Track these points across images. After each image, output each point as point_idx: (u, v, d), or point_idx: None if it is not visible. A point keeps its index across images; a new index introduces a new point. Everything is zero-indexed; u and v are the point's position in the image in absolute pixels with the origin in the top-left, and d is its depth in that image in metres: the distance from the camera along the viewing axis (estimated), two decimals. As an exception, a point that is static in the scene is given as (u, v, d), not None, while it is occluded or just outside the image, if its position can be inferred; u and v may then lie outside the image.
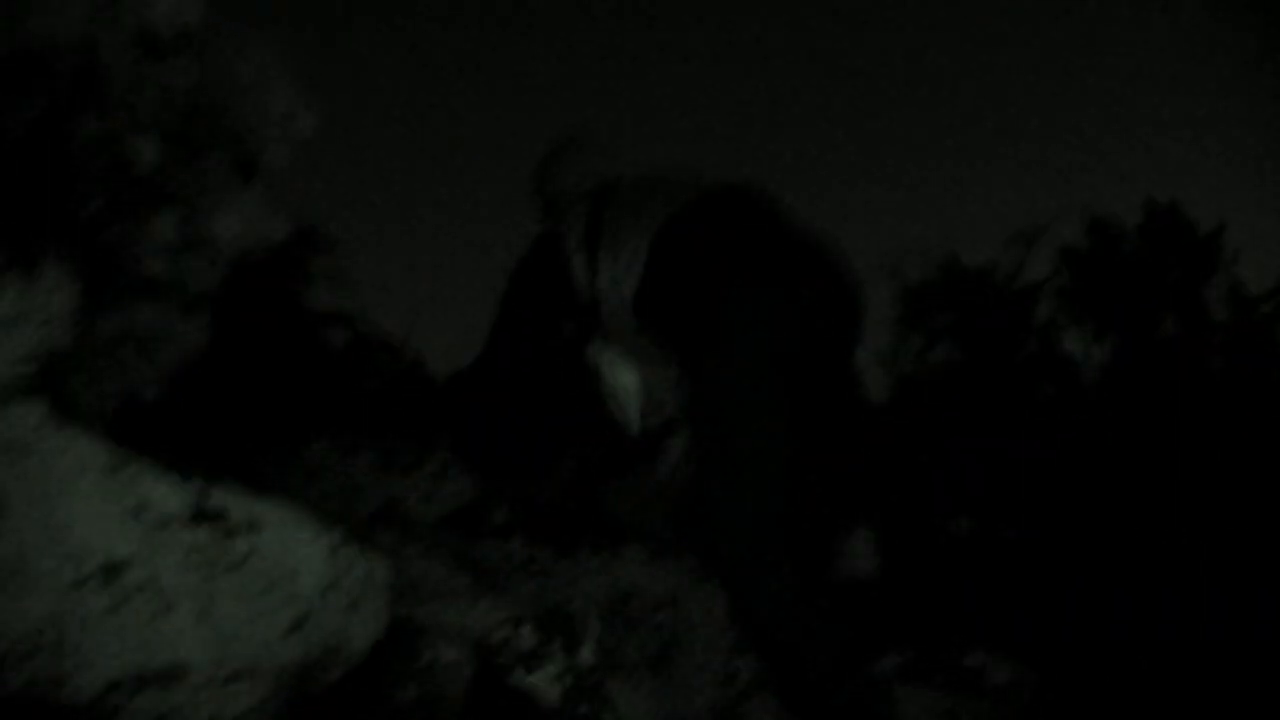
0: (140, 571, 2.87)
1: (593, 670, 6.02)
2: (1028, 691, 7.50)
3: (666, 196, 4.13)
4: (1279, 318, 25.04)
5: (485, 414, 6.40)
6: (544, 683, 5.77)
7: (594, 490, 8.83)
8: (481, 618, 5.99)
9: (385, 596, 4.06)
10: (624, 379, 5.52)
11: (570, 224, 4.28)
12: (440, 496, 8.92)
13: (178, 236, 3.82)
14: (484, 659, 5.68)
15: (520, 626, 6.04)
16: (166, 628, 2.85)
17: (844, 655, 4.08)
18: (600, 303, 4.16)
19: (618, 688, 6.87)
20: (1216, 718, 7.72)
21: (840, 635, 4.12)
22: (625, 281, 4.03)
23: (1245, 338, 25.64)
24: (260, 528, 3.30)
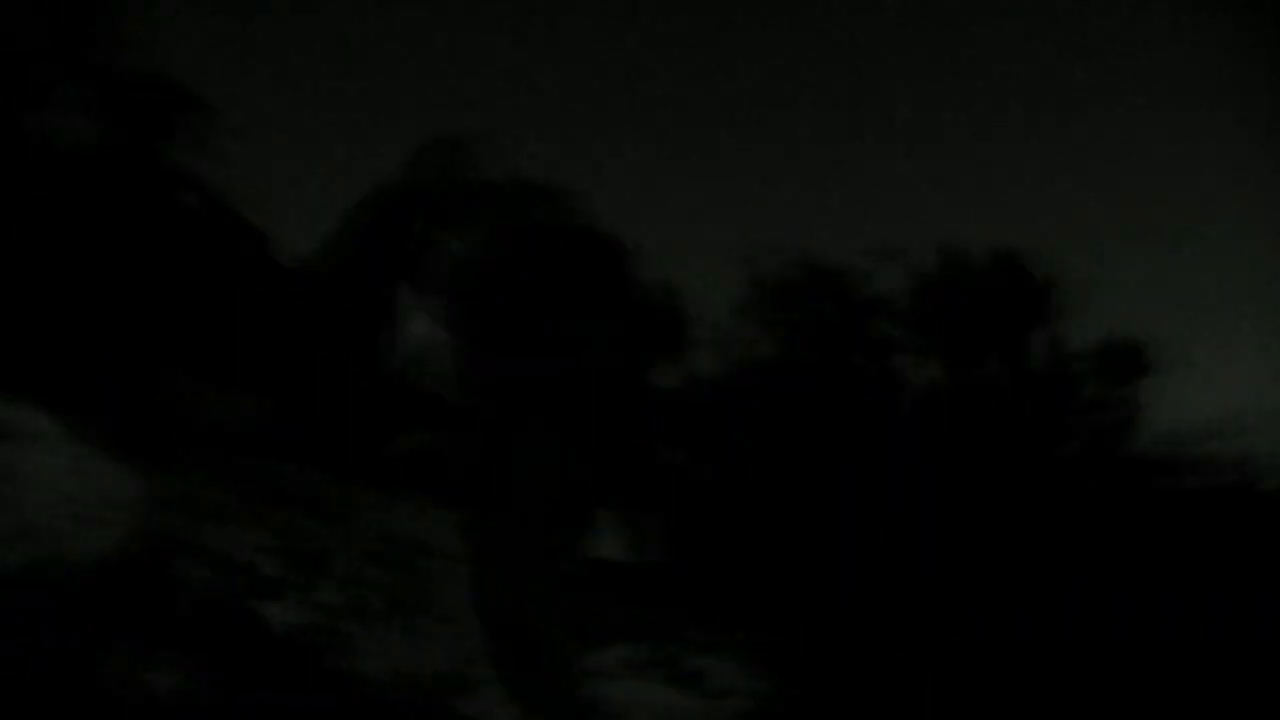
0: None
1: (336, 610, 6.24)
2: (745, 697, 7.97)
3: None
4: (1093, 376, 26.33)
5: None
6: (279, 614, 5.95)
7: (390, 432, 8.96)
8: (234, 540, 6.12)
9: (130, 510, 4.17)
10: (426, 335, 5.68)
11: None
12: (241, 414, 8.93)
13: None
14: (225, 582, 5.84)
15: (267, 556, 6.21)
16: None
17: (565, 642, 4.31)
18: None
19: (360, 630, 7.11)
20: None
21: (568, 622, 4.31)
22: None
23: (1059, 389, 26.87)
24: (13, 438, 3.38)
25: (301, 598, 6.19)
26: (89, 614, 3.84)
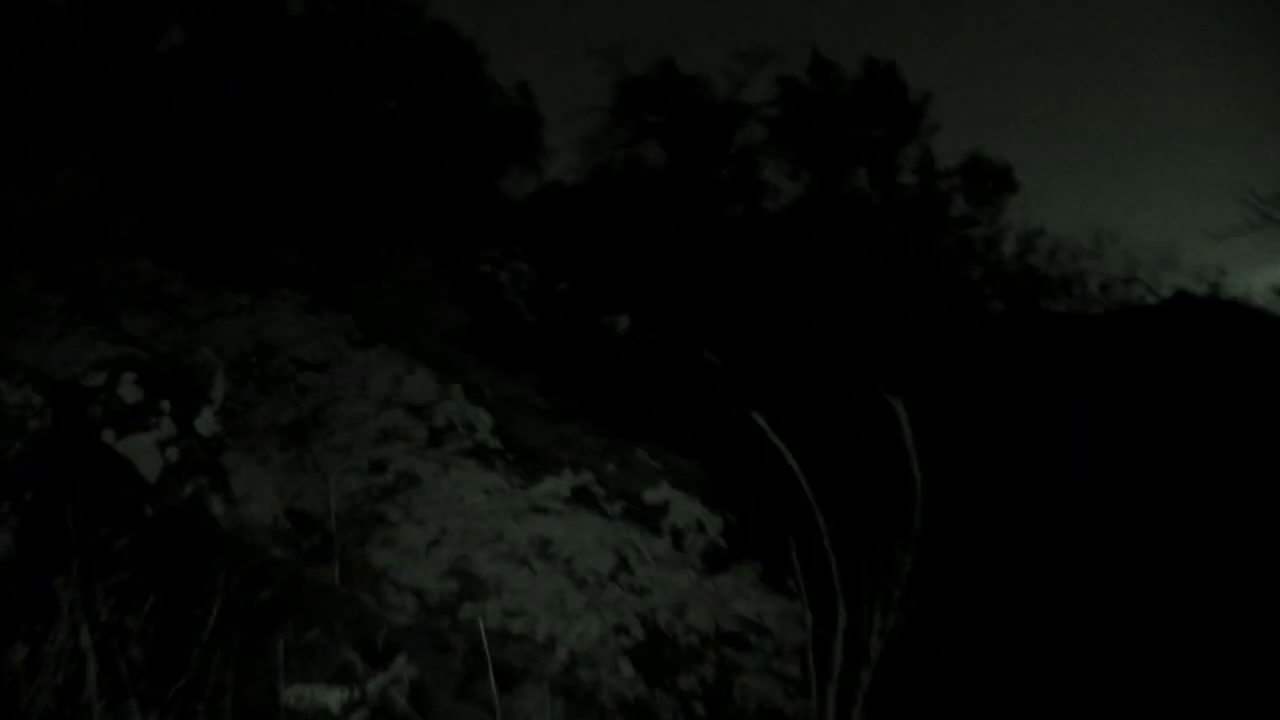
0: None
1: (211, 440, 4.86)
2: (707, 536, 6.90)
3: None
4: (958, 192, 25.65)
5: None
6: (142, 449, 4.55)
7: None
8: (71, 355, 4.70)
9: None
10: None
11: None
12: (56, 191, 7.31)
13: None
14: (69, 410, 4.38)
15: (120, 375, 4.72)
16: None
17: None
18: None
19: (239, 462, 5.71)
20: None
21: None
22: None
23: (925, 204, 26.12)
24: None
25: (169, 429, 4.77)
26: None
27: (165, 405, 4.71)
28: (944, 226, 25.69)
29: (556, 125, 23.86)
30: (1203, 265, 23.64)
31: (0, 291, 5.16)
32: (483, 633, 5.19)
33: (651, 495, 6.79)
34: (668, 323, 19.08)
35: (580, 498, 6.56)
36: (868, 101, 25.82)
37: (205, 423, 4.88)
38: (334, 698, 3.84)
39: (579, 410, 7.51)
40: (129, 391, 4.60)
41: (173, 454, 4.67)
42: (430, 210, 19.82)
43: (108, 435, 4.43)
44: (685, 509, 6.74)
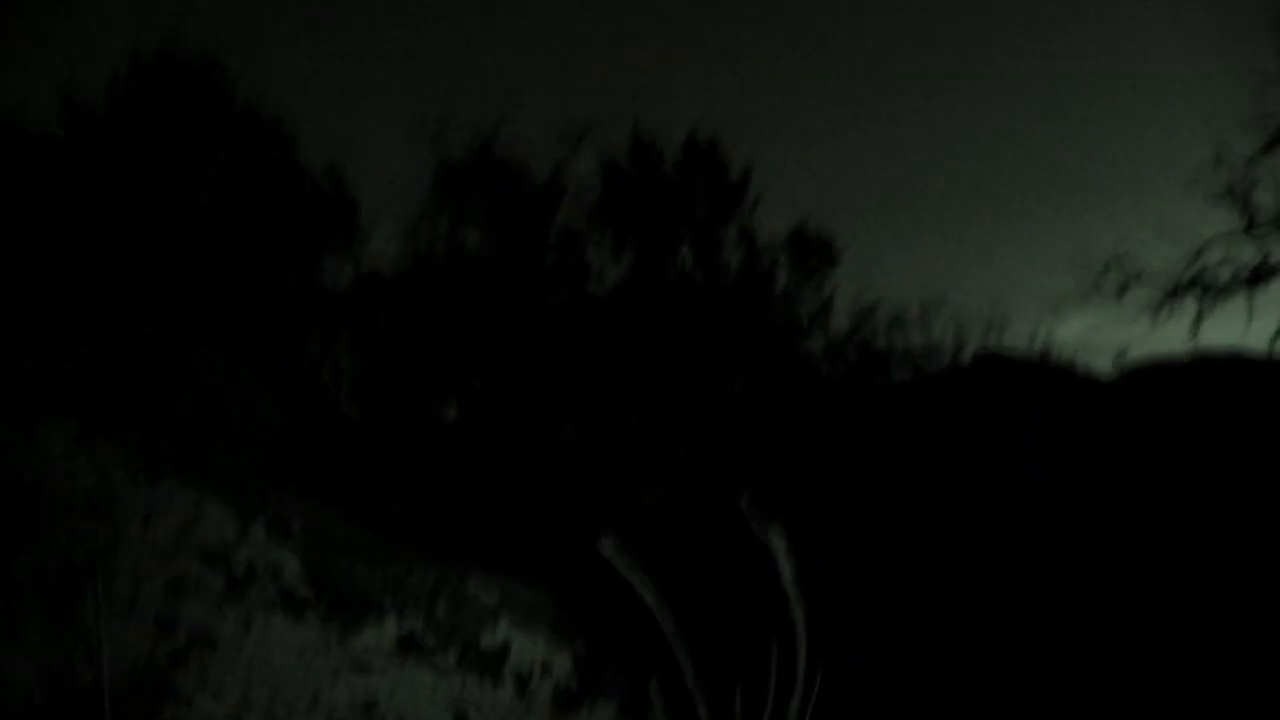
0: None
1: None
2: (554, 678, 6.07)
3: None
4: (781, 268, 25.70)
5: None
6: None
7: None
8: None
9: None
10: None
11: None
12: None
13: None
14: None
15: None
16: None
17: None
18: None
19: None
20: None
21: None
22: None
23: (749, 279, 26.08)
24: None
25: None
26: None
27: None
28: (770, 302, 25.67)
29: (374, 209, 22.85)
30: (1034, 329, 24.20)
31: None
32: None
33: (489, 638, 5.97)
34: (500, 415, 18.32)
35: (408, 648, 5.70)
36: (689, 179, 25.75)
37: None
38: None
39: (403, 539, 6.63)
40: None
41: None
42: (240, 306, 18.64)
43: None
44: (528, 649, 5.95)
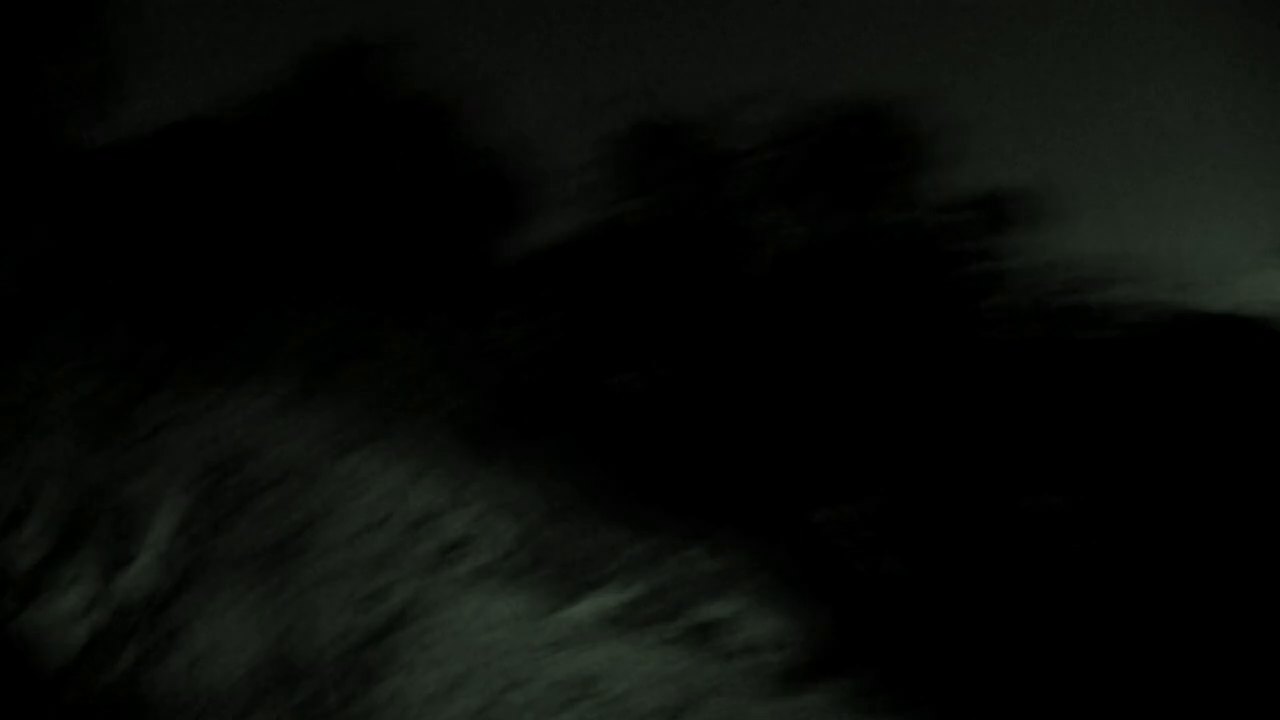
0: None
1: (152, 600, 3.63)
2: (786, 653, 5.61)
3: None
4: (979, 224, 24.60)
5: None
6: (55, 620, 3.28)
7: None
8: None
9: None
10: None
11: None
12: None
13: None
14: None
15: (21, 525, 3.44)
16: None
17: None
18: None
19: (201, 606, 4.47)
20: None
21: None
22: None
23: (940, 237, 25.01)
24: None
25: (89, 590, 3.54)
26: None
27: (87, 557, 3.49)
28: (967, 261, 24.59)
29: (549, 183, 22.66)
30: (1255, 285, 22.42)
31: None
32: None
33: (715, 609, 5.53)
34: (698, 381, 17.92)
35: (629, 619, 5.33)
36: (880, 136, 24.84)
37: (141, 574, 3.68)
38: None
39: (619, 503, 6.22)
40: (31, 543, 3.39)
41: (100, 617, 3.46)
42: (420, 283, 18.67)
43: (3, 607, 3.21)
44: (756, 622, 5.48)
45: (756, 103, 23.95)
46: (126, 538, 3.77)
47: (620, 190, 22.63)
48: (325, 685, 4.63)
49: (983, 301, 24.95)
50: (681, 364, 19.56)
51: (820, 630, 5.55)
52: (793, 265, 23.13)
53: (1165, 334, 22.04)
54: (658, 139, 23.61)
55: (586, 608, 5.33)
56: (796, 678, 5.50)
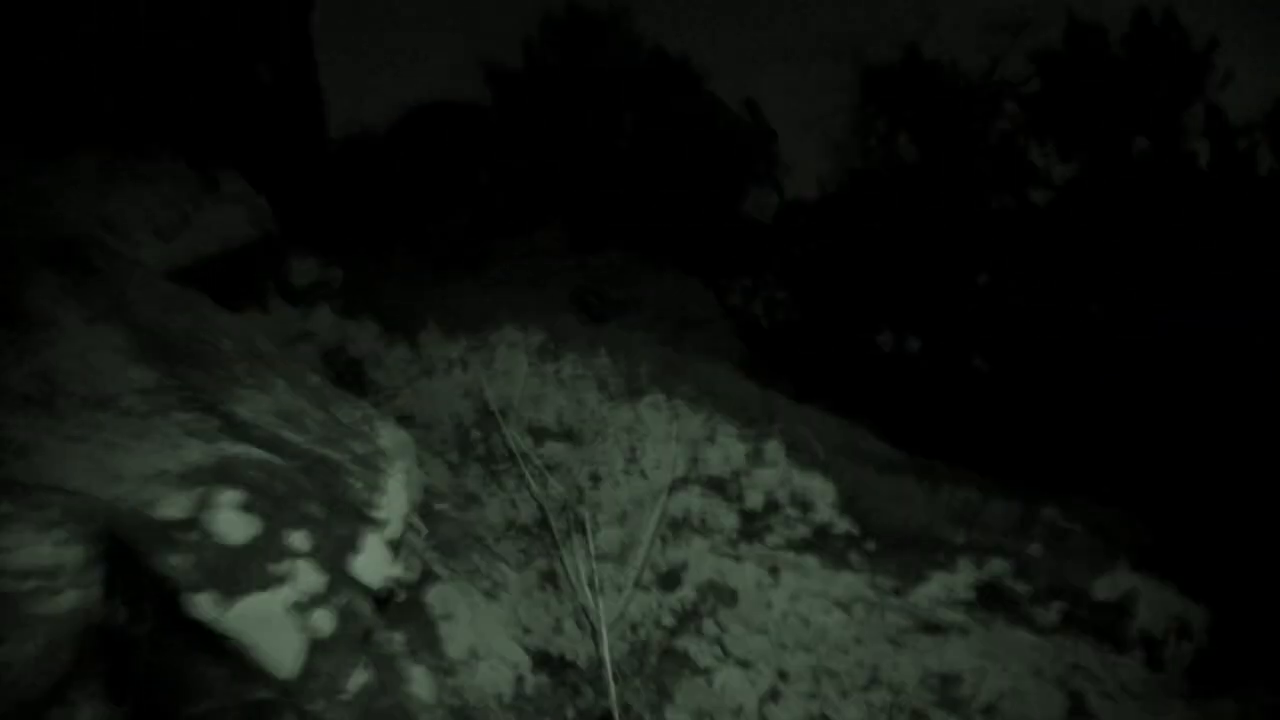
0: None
1: (390, 595, 2.70)
2: (1194, 642, 4.32)
3: None
4: (1259, 151, 21.74)
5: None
6: (266, 622, 2.38)
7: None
8: (145, 466, 2.65)
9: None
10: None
11: None
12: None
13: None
14: (129, 570, 2.27)
15: (217, 496, 2.58)
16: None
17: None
18: None
19: (455, 599, 3.57)
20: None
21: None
22: None
23: (1220, 171, 22.34)
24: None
25: (310, 581, 2.65)
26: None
27: (300, 540, 2.62)
28: (1253, 190, 21.88)
29: (796, 135, 21.46)
30: None
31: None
32: None
33: (1104, 588, 4.27)
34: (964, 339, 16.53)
35: (991, 602, 4.15)
36: (1141, 59, 22.41)
37: (375, 561, 2.81)
38: None
39: (960, 459, 5.03)
40: (234, 523, 2.55)
41: (324, 621, 2.59)
42: (672, 242, 17.88)
43: (200, 605, 2.37)
44: (1158, 603, 4.20)
45: (1015, 28, 21.98)
46: (351, 515, 2.90)
47: (875, 132, 21.20)
48: (606, 692, 3.64)
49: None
50: (956, 319, 18.14)
51: (1231, 617, 4.23)
52: (1066, 207, 21.10)
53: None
54: (909, 77, 21.99)
55: (934, 589, 4.18)
56: (1208, 674, 4.20)
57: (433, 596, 3.41)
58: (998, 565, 4.17)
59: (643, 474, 4.51)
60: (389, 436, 3.28)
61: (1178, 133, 22.67)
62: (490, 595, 3.74)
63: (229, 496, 2.60)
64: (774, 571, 4.13)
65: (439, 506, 3.86)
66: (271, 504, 2.62)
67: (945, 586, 4.10)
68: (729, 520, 4.35)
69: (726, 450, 4.55)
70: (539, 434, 4.87)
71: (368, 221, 13.57)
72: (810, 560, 4.17)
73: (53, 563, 2.29)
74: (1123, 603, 4.20)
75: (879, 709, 3.71)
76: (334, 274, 6.05)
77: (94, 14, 6.32)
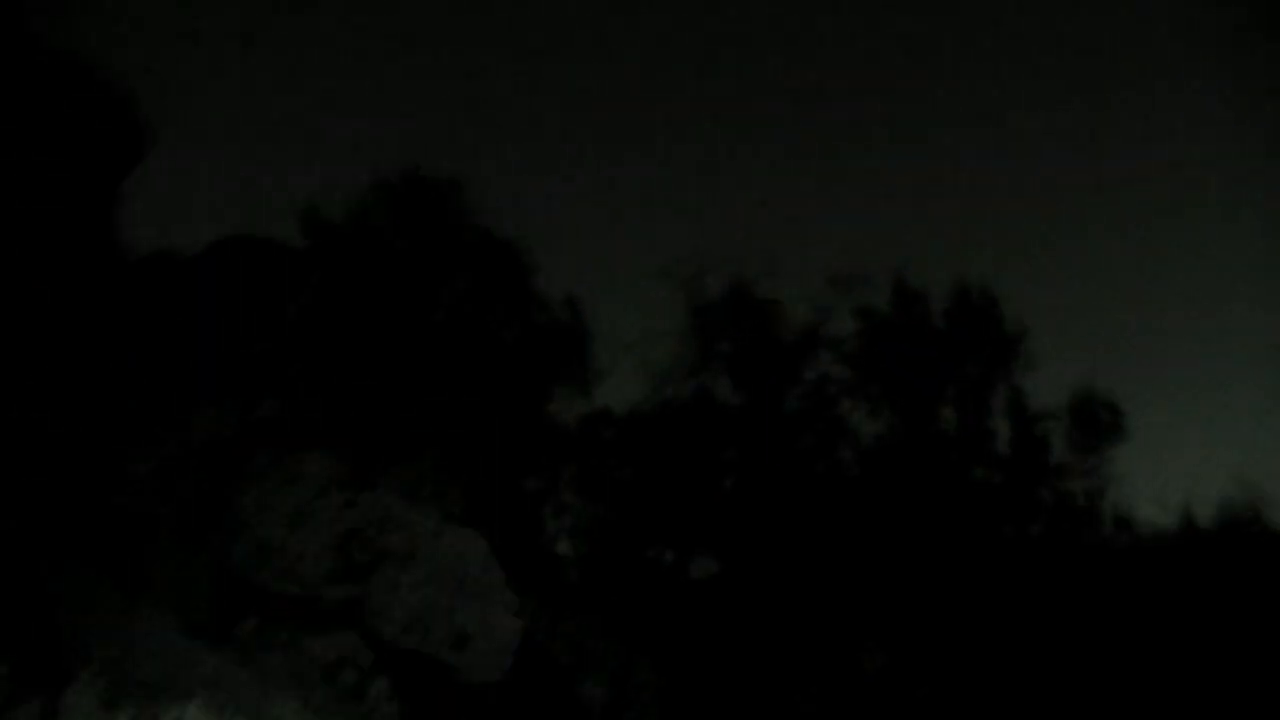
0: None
1: None
2: None
3: None
4: (1061, 438, 22.51)
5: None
6: None
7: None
8: None
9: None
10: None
11: None
12: None
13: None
14: None
15: None
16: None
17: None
18: None
19: None
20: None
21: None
22: None
23: (1018, 452, 23.03)
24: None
25: None
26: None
27: None
28: (1040, 477, 22.46)
29: (618, 344, 21.27)
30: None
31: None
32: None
33: None
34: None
35: None
36: (958, 333, 23.17)
37: None
38: None
39: None
40: None
41: None
42: (467, 423, 17.24)
43: None
44: None
45: (846, 284, 22.50)
46: None
47: (691, 363, 21.16)
48: None
49: (1070, 525, 22.74)
50: (746, 555, 17.86)
51: None
52: (871, 466, 21.31)
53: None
54: (736, 312, 22.19)
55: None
56: None
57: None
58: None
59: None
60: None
61: (984, 408, 23.33)
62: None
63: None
64: None
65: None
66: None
67: None
68: None
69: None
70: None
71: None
72: None
73: None
74: None
75: None
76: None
77: None
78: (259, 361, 12.28)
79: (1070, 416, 22.31)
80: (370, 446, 11.74)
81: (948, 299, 22.60)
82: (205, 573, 7.96)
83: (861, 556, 19.31)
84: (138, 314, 12.27)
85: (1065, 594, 18.70)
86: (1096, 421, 22.05)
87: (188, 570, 7.27)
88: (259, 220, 17.64)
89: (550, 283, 20.18)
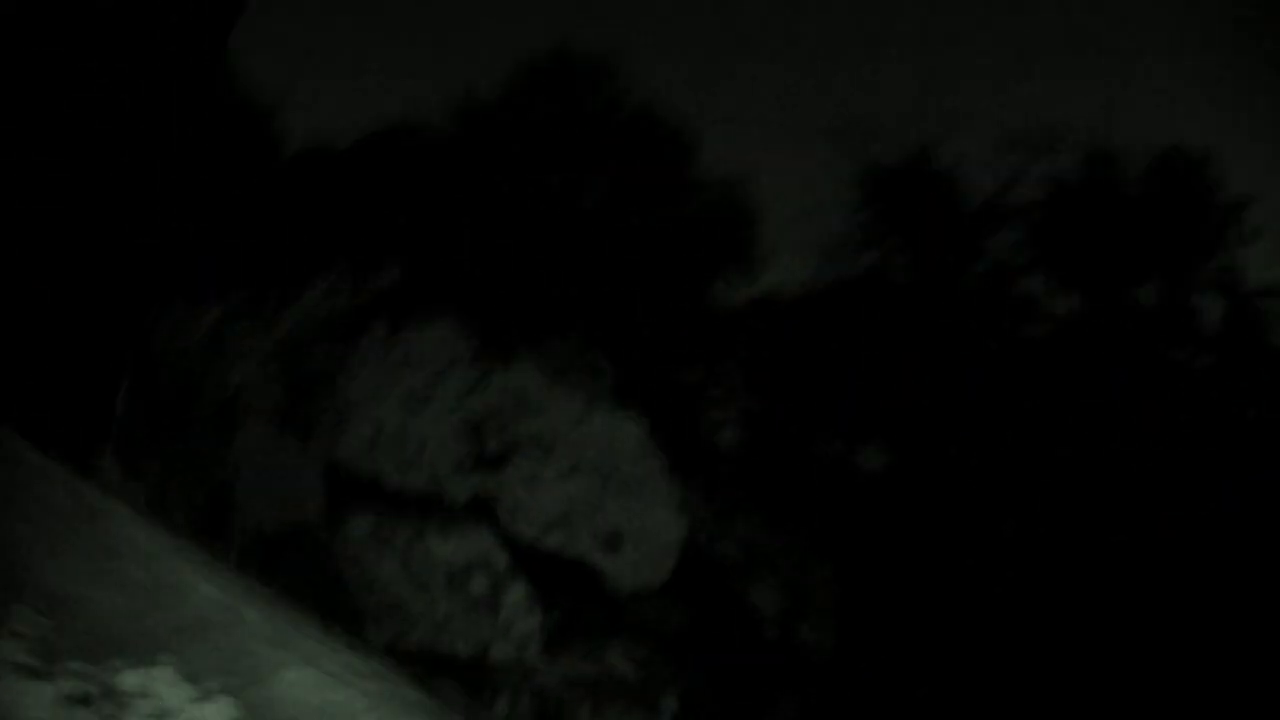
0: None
1: None
2: None
3: None
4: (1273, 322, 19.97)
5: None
6: None
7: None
8: None
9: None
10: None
11: None
12: None
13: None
14: None
15: None
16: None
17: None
18: None
19: None
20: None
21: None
22: None
23: (1230, 335, 20.61)
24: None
25: None
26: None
27: None
28: (1258, 360, 20.34)
29: (784, 221, 19.80)
30: None
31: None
32: None
33: None
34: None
35: None
36: (1159, 203, 20.96)
37: None
38: None
39: None
40: None
41: None
42: (620, 301, 16.26)
43: None
44: None
45: (1034, 148, 20.46)
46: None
47: (865, 240, 19.66)
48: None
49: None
50: (928, 444, 16.63)
51: None
52: (1061, 346, 19.53)
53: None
54: (913, 183, 20.45)
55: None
56: None
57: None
58: None
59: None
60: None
61: (1189, 286, 21.11)
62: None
63: None
64: None
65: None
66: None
67: None
68: None
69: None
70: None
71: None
72: None
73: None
74: None
75: None
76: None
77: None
78: (382, 227, 11.44)
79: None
80: (505, 319, 10.83)
81: (1146, 164, 20.43)
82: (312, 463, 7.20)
83: (1049, 450, 17.92)
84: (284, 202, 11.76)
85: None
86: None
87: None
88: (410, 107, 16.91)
89: (713, 156, 18.85)
